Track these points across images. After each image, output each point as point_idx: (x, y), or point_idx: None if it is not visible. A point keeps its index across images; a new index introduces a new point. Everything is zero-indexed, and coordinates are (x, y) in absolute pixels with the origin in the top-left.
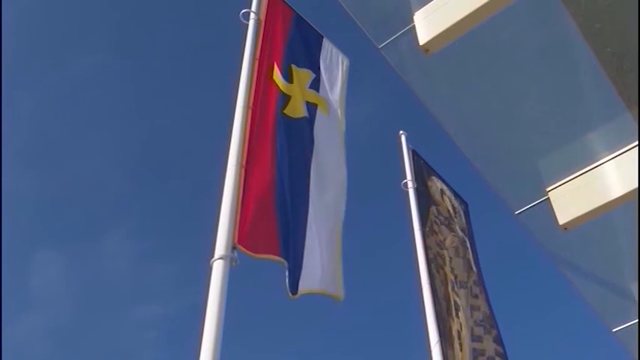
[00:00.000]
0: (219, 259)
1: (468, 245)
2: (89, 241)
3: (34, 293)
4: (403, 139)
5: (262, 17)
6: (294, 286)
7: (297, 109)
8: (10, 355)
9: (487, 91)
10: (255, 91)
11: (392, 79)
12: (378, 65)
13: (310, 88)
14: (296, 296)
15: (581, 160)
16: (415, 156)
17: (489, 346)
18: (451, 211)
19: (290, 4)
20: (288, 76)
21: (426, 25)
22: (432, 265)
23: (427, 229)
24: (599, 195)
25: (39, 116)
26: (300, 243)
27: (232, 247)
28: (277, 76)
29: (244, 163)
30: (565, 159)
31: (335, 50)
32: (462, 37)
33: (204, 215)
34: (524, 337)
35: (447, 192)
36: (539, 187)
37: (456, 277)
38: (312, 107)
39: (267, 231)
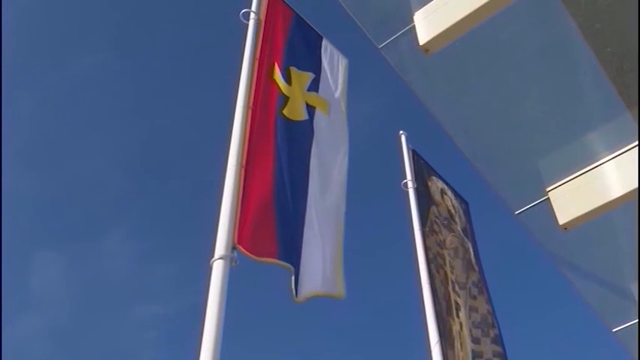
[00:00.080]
0: (219, 259)
1: (469, 245)
2: (89, 241)
3: (34, 293)
4: (403, 139)
5: (262, 17)
6: (298, 290)
7: (295, 111)
8: (10, 355)
9: (487, 91)
10: (255, 91)
11: (392, 79)
12: (378, 65)
13: (309, 89)
14: (300, 300)
15: (581, 160)
16: (415, 156)
17: (487, 348)
18: (452, 210)
19: (290, 4)
20: (287, 78)
21: (426, 25)
22: (432, 265)
23: (427, 229)
24: (599, 195)
25: (39, 116)
26: (300, 245)
27: (232, 247)
28: (278, 75)
29: (244, 163)
30: (565, 159)
31: (334, 51)
32: (462, 37)
33: (204, 215)
34: (524, 337)
35: (448, 192)
36: (539, 187)
37: (456, 278)
38: (311, 109)
39: (266, 233)
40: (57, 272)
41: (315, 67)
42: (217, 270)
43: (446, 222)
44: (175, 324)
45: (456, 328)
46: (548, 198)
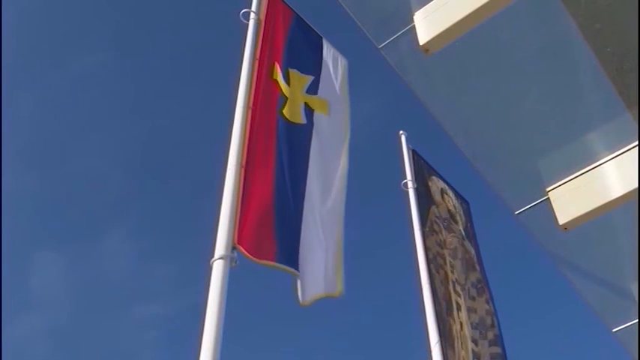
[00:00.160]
0: (219, 259)
1: (470, 245)
2: (89, 241)
3: (34, 293)
4: (403, 139)
5: (262, 17)
6: (303, 293)
7: (294, 114)
8: (10, 355)
9: (487, 91)
10: (255, 91)
11: (392, 79)
12: (378, 65)
13: (308, 91)
14: (306, 303)
15: (581, 160)
16: (415, 156)
17: (484, 350)
18: (452, 210)
19: (290, 4)
20: (286, 79)
21: (426, 25)
22: (432, 265)
23: (427, 229)
24: (599, 195)
25: (39, 116)
26: (298, 248)
27: (232, 247)
28: (278, 75)
29: (244, 163)
30: (565, 159)
31: (334, 51)
32: (462, 37)
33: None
34: (524, 337)
35: (448, 192)
36: (539, 187)
37: (456, 278)
38: (309, 112)
39: (266, 234)
40: (57, 272)
41: (315, 69)
42: (217, 270)
43: (446, 222)
44: (175, 324)
45: (456, 327)
46: (548, 198)
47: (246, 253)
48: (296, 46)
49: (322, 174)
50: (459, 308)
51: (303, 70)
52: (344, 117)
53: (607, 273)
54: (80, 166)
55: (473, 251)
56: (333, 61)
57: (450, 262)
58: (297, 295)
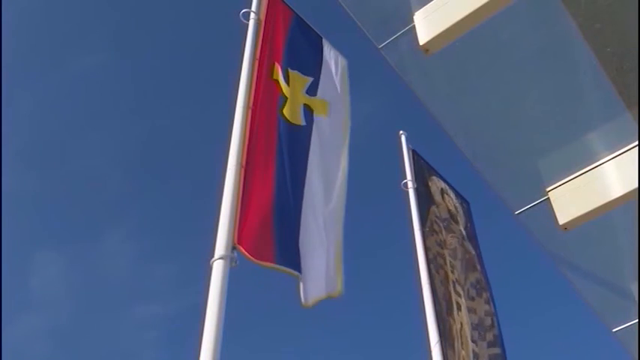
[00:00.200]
0: (219, 259)
1: (470, 245)
2: (89, 241)
3: (34, 293)
4: (403, 139)
5: (262, 17)
6: (305, 295)
7: (294, 114)
8: (10, 355)
9: (487, 91)
10: (255, 91)
11: (392, 79)
12: (378, 65)
13: (307, 92)
14: (308, 305)
15: (581, 160)
16: (415, 156)
17: (483, 352)
18: (452, 210)
19: (290, 4)
20: (286, 79)
21: (426, 25)
22: (432, 265)
23: (427, 229)
24: (599, 195)
25: (39, 116)
26: (298, 249)
27: (232, 247)
28: (279, 75)
29: (244, 163)
30: (565, 159)
31: (334, 51)
32: (462, 37)
33: (204, 215)
34: (524, 337)
35: (449, 191)
36: (539, 187)
37: (456, 278)
38: (309, 113)
39: (265, 235)
40: (57, 272)
41: (315, 69)
42: (217, 270)
43: (446, 222)
44: (175, 324)
45: (456, 327)
46: (548, 198)
47: (246, 253)
48: (296, 46)
49: (324, 175)
50: (459, 308)
51: (303, 71)
52: (344, 117)
53: (607, 273)
54: (80, 166)
55: (473, 251)
56: (333, 62)
57: (451, 262)
58: (300, 297)
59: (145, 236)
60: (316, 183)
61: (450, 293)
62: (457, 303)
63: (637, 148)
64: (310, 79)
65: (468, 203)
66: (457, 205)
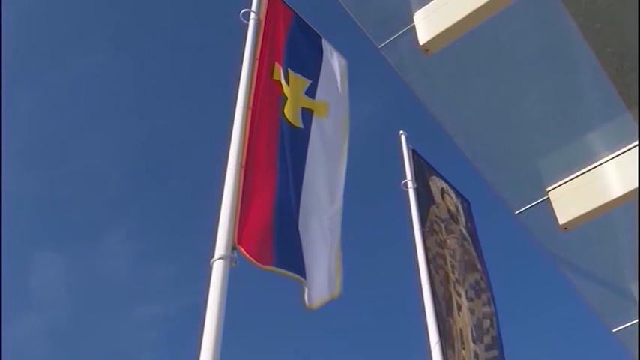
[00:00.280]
0: (219, 259)
1: (471, 245)
2: (89, 241)
3: (34, 293)
4: (403, 139)
5: (262, 17)
6: (308, 298)
7: (293, 116)
8: (10, 355)
9: (487, 91)
10: (255, 91)
11: (392, 79)
12: (378, 65)
13: (307, 93)
14: (312, 307)
15: (581, 160)
16: (415, 156)
17: (481, 352)
18: (452, 210)
19: (290, 4)
20: (286, 79)
21: (426, 25)
22: (432, 265)
23: (427, 229)
24: (599, 195)
25: (39, 116)
26: (300, 251)
27: (232, 247)
28: (279, 75)
29: (244, 163)
30: (565, 159)
31: (333, 52)
32: (462, 37)
33: (204, 215)
34: (524, 337)
35: (449, 191)
36: (539, 187)
37: (457, 278)
38: (307, 114)
39: (265, 236)
40: (57, 272)
41: (314, 70)
42: (217, 270)
43: (446, 222)
44: (175, 324)
45: (456, 327)
46: (548, 198)
47: (246, 254)
48: (296, 46)
49: (327, 176)
50: (459, 308)
51: (303, 72)
52: (343, 118)
53: (607, 273)
54: (80, 166)
55: (473, 251)
56: (333, 62)
57: (451, 262)
58: (304, 299)
59: (144, 236)
60: (320, 185)
61: (450, 293)
62: (457, 303)
63: (637, 148)
64: (309, 81)
65: (468, 202)
66: (457, 204)
